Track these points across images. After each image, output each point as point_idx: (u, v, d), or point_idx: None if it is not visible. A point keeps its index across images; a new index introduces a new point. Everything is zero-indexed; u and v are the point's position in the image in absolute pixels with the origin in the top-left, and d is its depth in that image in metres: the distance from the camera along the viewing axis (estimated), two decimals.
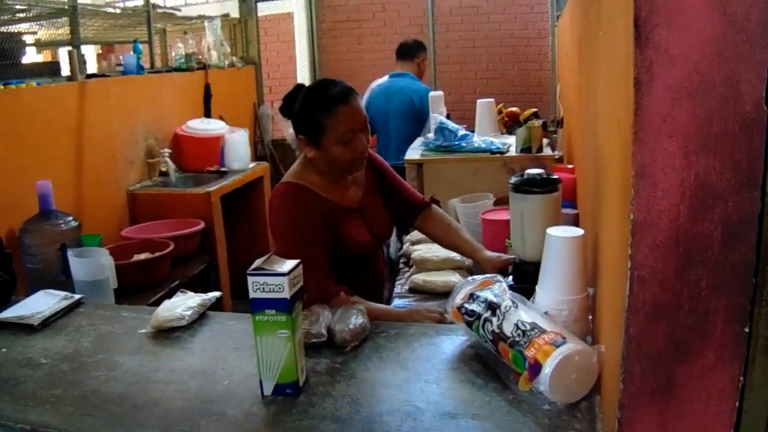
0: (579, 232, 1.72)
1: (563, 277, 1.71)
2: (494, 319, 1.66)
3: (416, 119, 5.26)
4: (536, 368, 1.48)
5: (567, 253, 1.70)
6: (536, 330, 1.55)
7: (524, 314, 1.63)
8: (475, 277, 1.91)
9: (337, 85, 2.31)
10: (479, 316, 1.72)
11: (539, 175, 2.18)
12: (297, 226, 2.28)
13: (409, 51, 5.64)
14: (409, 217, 2.70)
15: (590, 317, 1.74)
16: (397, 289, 2.90)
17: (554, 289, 1.72)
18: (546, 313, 1.68)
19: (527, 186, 2.15)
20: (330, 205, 2.35)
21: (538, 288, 1.78)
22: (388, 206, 2.61)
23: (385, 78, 5.68)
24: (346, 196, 2.44)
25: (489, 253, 2.54)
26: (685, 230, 1.01)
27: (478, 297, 1.77)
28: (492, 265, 2.44)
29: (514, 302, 1.68)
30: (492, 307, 1.70)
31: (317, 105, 2.28)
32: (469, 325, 1.76)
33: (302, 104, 2.33)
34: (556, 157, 3.89)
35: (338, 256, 2.30)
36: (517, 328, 1.58)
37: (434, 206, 2.73)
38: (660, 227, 1.02)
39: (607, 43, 1.48)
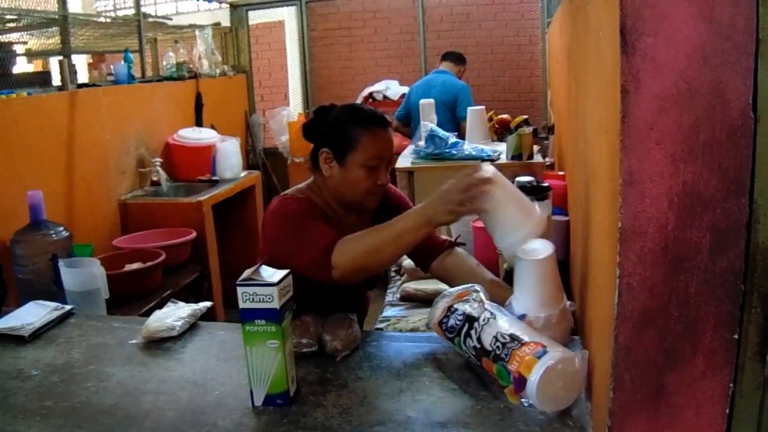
0: (548, 250, 1.70)
1: (537, 296, 1.71)
2: (473, 333, 1.66)
3: (451, 109, 5.93)
4: (521, 382, 1.48)
5: (538, 273, 1.71)
6: (516, 342, 1.54)
7: (503, 324, 1.62)
8: (450, 290, 1.90)
9: (377, 112, 2.23)
10: (459, 330, 1.71)
11: (529, 182, 2.18)
12: (298, 215, 2.10)
13: (458, 58, 6.37)
14: (425, 258, 2.34)
15: (570, 319, 1.75)
16: (389, 298, 2.90)
17: (529, 308, 1.71)
18: (524, 315, 1.68)
19: None
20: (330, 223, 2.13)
21: (513, 302, 1.76)
22: None
23: (430, 74, 6.42)
24: (346, 224, 2.22)
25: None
26: (673, 237, 1.02)
27: (456, 310, 1.76)
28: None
29: (492, 313, 1.68)
30: (470, 320, 1.70)
31: (356, 119, 2.17)
32: (452, 341, 1.76)
33: (339, 115, 2.21)
34: (547, 163, 3.91)
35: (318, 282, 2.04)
36: (497, 340, 1.58)
37: (457, 249, 2.34)
38: (648, 235, 1.02)
39: (594, 51, 1.49)
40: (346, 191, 2.18)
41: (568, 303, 1.76)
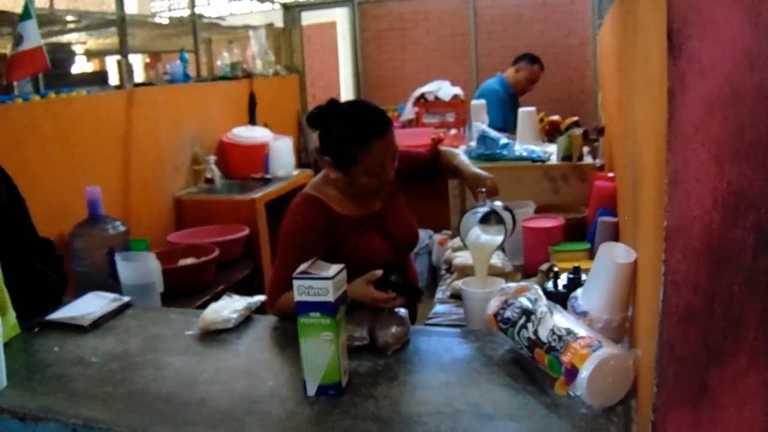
0: (630, 257, 1.68)
1: (607, 298, 1.72)
2: (530, 326, 1.69)
3: None
4: (573, 373, 1.50)
5: (616, 276, 1.70)
6: (572, 335, 1.57)
7: (559, 320, 1.65)
8: (510, 284, 1.94)
9: (375, 113, 2.26)
10: (514, 323, 1.74)
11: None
12: (296, 240, 2.25)
13: (515, 59, 6.19)
14: (434, 172, 2.71)
15: (627, 325, 1.76)
16: (439, 295, 2.93)
17: (594, 307, 1.73)
18: (586, 313, 1.70)
19: None
20: (341, 220, 2.31)
21: (580, 297, 1.79)
22: (417, 181, 2.64)
23: None
24: (363, 207, 2.39)
25: (474, 170, 2.56)
26: (717, 236, 1.03)
27: (512, 304, 1.79)
28: (474, 181, 2.47)
29: (549, 308, 1.71)
30: (527, 313, 1.73)
31: (353, 136, 2.20)
32: (504, 332, 1.79)
33: (340, 131, 2.23)
34: (597, 165, 3.89)
35: (356, 271, 2.12)
36: (553, 333, 1.61)
37: (440, 148, 2.80)
38: (693, 233, 1.04)
39: (643, 54, 1.51)
40: (352, 191, 2.33)
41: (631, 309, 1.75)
